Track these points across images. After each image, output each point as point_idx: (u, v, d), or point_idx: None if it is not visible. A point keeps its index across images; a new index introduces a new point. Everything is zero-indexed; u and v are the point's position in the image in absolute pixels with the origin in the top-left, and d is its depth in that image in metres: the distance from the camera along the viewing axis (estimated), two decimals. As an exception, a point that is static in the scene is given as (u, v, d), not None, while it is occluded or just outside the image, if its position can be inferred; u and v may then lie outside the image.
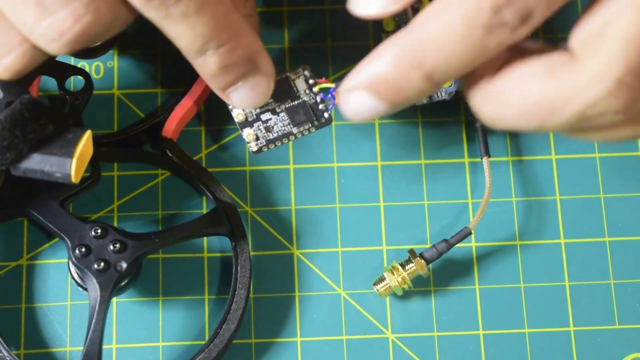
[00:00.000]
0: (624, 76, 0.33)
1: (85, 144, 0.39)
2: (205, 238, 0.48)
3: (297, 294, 0.47)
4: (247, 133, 0.42)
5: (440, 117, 0.50)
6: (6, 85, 0.40)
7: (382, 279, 0.46)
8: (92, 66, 0.50)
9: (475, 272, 0.47)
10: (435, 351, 0.46)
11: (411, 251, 0.46)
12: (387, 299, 0.47)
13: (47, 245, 0.47)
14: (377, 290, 0.46)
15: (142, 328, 0.46)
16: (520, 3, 0.33)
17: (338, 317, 0.47)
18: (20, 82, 0.40)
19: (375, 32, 0.50)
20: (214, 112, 0.49)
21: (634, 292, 0.47)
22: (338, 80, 0.39)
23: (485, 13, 0.33)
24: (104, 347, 0.45)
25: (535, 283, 0.47)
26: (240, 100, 0.40)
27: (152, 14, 0.36)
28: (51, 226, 0.44)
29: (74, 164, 0.39)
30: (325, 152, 0.49)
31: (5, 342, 0.44)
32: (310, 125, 0.42)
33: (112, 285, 0.43)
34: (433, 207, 0.48)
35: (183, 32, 0.37)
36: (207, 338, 0.46)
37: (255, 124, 0.42)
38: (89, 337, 0.42)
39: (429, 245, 0.46)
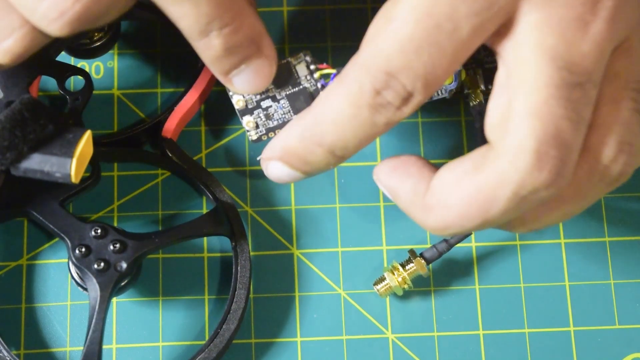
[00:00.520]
0: (539, 147, 0.34)
1: (85, 144, 0.39)
2: (205, 238, 0.48)
3: (297, 294, 0.47)
4: (247, 121, 0.42)
5: (440, 116, 0.50)
6: (6, 85, 0.40)
7: (382, 279, 0.46)
8: (92, 66, 0.50)
9: (475, 272, 0.47)
10: (435, 351, 0.46)
11: (411, 251, 0.46)
12: (387, 299, 0.47)
13: (47, 245, 0.47)
14: (377, 290, 0.46)
15: (142, 328, 0.46)
16: (398, 86, 0.35)
17: (338, 317, 0.47)
18: (20, 82, 0.40)
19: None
20: (214, 112, 0.49)
21: (634, 292, 0.47)
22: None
23: (368, 95, 0.35)
24: (104, 347, 0.45)
25: (535, 283, 0.47)
26: (243, 85, 0.40)
27: None
28: (51, 226, 0.44)
29: (74, 164, 0.39)
30: (325, 152, 0.49)
31: (5, 342, 0.44)
32: None
33: (112, 285, 0.43)
34: (433, 207, 0.48)
35: (187, 11, 0.36)
36: (207, 338, 0.46)
37: (255, 112, 0.42)
38: (89, 337, 0.42)
39: (429, 245, 0.46)
